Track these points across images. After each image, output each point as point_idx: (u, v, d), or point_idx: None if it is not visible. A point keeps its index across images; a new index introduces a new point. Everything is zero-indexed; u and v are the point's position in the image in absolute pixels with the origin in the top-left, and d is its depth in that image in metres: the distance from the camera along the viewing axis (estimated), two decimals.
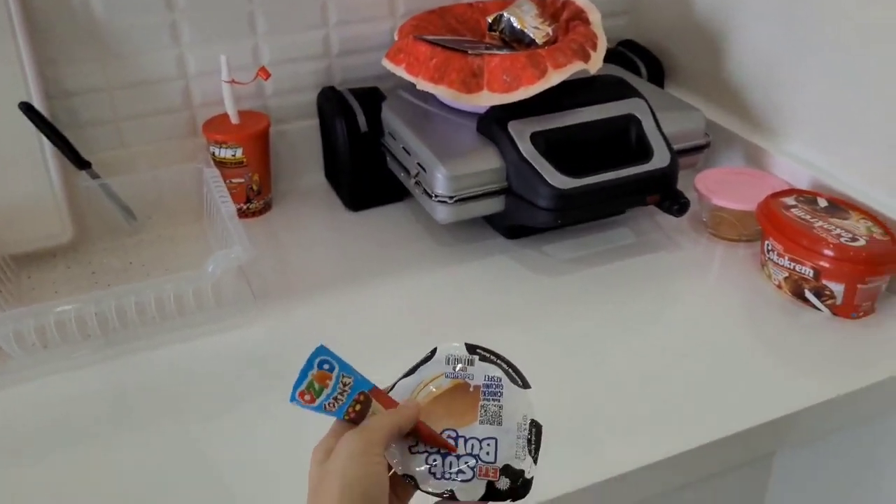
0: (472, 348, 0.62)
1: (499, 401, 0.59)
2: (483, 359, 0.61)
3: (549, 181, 0.98)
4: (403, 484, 0.58)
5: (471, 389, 0.60)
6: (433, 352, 0.62)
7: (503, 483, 0.57)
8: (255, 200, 1.16)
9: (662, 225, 1.13)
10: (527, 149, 1.00)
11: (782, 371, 0.87)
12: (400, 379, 0.61)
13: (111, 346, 0.91)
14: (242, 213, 1.15)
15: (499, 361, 0.61)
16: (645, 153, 1.03)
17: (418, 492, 0.58)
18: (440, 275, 1.05)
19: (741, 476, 0.92)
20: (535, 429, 0.59)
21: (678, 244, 1.10)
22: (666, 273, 1.04)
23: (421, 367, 0.61)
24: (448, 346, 0.62)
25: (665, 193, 1.03)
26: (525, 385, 0.61)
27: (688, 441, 0.78)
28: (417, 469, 0.57)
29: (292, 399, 0.55)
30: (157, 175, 1.11)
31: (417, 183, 1.04)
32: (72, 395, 0.86)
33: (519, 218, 1.04)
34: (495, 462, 0.57)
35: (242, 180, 1.14)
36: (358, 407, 0.56)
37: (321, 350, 0.56)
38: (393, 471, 0.58)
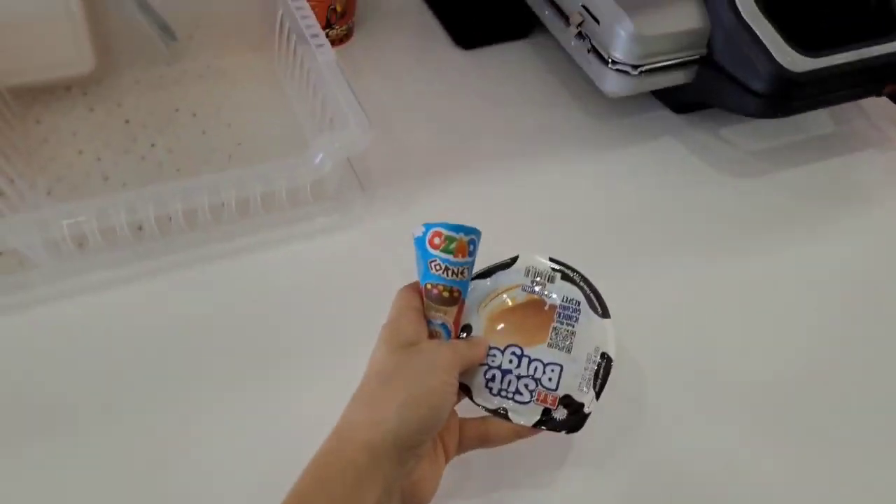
0: (556, 264, 0.57)
1: (573, 326, 0.56)
2: (565, 277, 0.57)
3: (775, 56, 0.71)
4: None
5: (546, 308, 0.56)
6: (514, 259, 0.58)
7: (560, 413, 0.54)
8: (336, 25, 0.86)
9: (866, 109, 0.88)
10: (746, 5, 0.72)
11: None
12: (473, 278, 0.56)
13: (172, 251, 0.66)
14: None
15: (581, 284, 0.57)
16: (890, 24, 0.76)
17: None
18: (586, 159, 0.80)
19: None
20: (605, 362, 0.55)
21: (889, 139, 0.85)
22: (877, 182, 0.81)
23: (498, 273, 0.57)
24: (531, 256, 0.58)
25: None
26: (605, 314, 0.56)
27: None
28: (474, 380, 0.54)
29: (427, 226, 0.53)
30: None
31: (581, 36, 0.76)
32: (116, 319, 0.63)
33: (714, 98, 0.77)
34: (556, 389, 0.54)
35: None
36: (446, 294, 0.53)
37: (478, 232, 0.54)
38: None
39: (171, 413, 0.58)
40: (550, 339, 0.55)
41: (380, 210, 0.72)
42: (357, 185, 0.73)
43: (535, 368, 0.54)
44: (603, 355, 0.55)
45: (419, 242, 0.53)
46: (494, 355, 0.55)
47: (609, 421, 0.59)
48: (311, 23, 0.73)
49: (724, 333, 0.67)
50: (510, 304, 0.56)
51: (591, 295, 0.57)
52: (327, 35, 0.84)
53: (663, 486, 0.58)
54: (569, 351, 0.55)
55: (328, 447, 0.46)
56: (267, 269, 0.67)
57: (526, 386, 0.54)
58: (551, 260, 0.58)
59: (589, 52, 0.75)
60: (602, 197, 0.76)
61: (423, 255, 0.53)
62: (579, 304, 0.56)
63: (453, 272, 0.53)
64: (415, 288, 0.54)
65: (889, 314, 0.70)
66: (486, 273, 0.57)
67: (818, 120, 0.85)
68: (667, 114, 0.84)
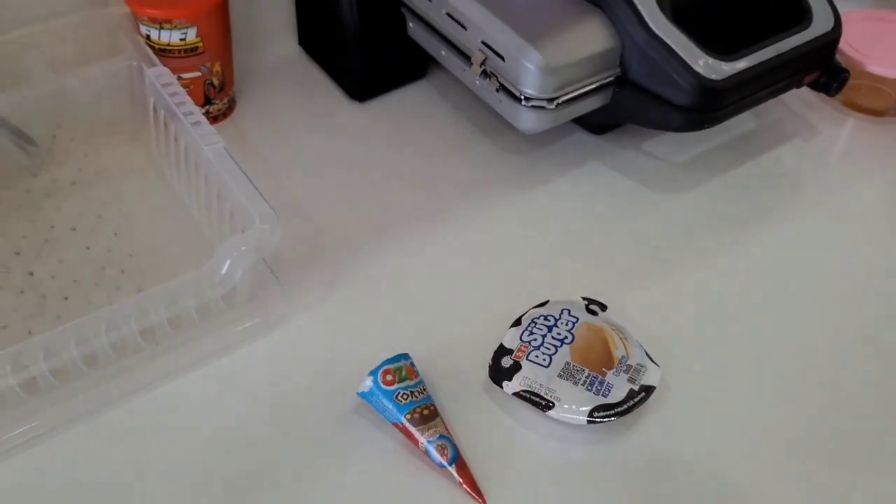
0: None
1: None
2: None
3: (694, 66, 0.67)
4: None
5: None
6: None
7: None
8: (216, 100, 0.78)
9: (783, 100, 0.85)
10: (654, 16, 0.67)
11: None
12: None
13: (67, 399, 0.57)
14: None
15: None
16: (799, 14, 0.73)
17: None
18: (515, 200, 0.74)
19: None
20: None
21: (810, 125, 0.83)
22: (811, 173, 0.78)
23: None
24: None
25: (825, 68, 0.74)
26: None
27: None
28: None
29: (373, 373, 0.56)
30: (63, 82, 0.70)
31: (486, 75, 0.70)
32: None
33: (636, 118, 0.73)
34: None
35: (198, 74, 0.75)
36: (426, 412, 0.56)
37: (409, 356, 0.59)
38: None
39: None
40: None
41: (302, 304, 0.65)
42: (273, 280, 0.65)
43: None
44: None
45: (374, 392, 0.56)
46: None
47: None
48: (189, 109, 0.65)
49: (679, 348, 0.62)
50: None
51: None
52: (208, 112, 0.77)
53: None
54: None
55: None
56: (187, 398, 0.58)
57: None
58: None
59: (498, 90, 0.69)
60: (534, 236, 0.71)
61: (386, 396, 0.56)
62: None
63: (417, 393, 0.57)
64: None
65: (836, 293, 0.67)
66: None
67: (739, 118, 0.81)
68: (586, 137, 0.80)
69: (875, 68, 0.79)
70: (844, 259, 0.70)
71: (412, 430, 0.55)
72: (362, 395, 0.57)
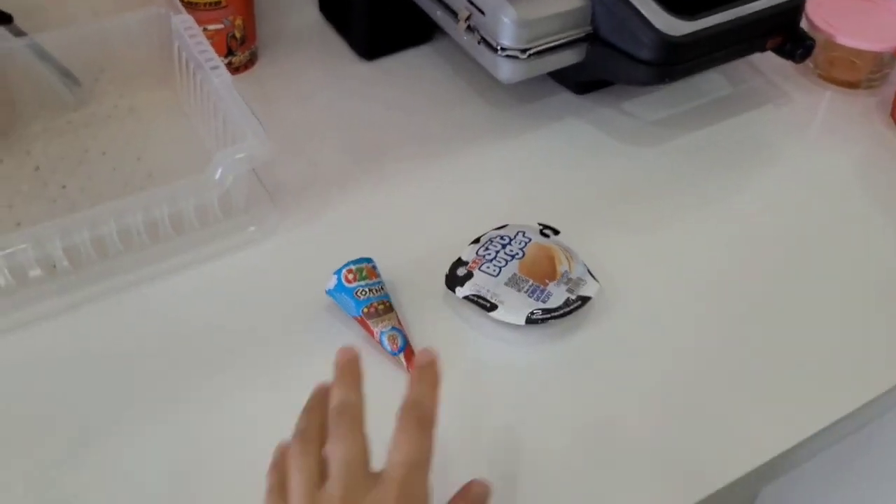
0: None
1: None
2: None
3: (655, 24, 0.73)
4: None
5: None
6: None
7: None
8: (238, 52, 0.88)
9: (760, 67, 0.90)
10: None
11: None
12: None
13: (84, 284, 0.67)
14: None
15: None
16: None
17: None
18: (495, 149, 0.81)
19: None
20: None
21: (785, 93, 0.88)
22: (778, 135, 0.83)
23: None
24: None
25: (788, 34, 0.80)
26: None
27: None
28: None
29: (337, 272, 0.64)
30: (103, 27, 0.80)
31: (470, 29, 0.78)
32: (32, 359, 0.63)
33: (607, 73, 0.80)
34: None
35: (221, 26, 0.85)
36: (381, 307, 0.63)
37: (371, 259, 0.66)
38: None
39: (99, 447, 0.58)
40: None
41: (293, 221, 0.73)
42: (267, 198, 0.74)
43: None
44: None
45: (338, 288, 0.64)
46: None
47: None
48: (205, 48, 0.75)
49: (644, 304, 0.68)
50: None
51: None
52: (230, 63, 0.86)
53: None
54: None
55: None
56: (185, 292, 0.67)
57: None
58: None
59: (479, 43, 0.77)
60: (516, 181, 0.78)
61: (347, 292, 0.64)
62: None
63: (375, 290, 0.64)
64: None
65: (803, 262, 0.72)
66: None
67: (716, 83, 0.88)
68: (569, 96, 0.87)
69: (847, 41, 0.84)
70: (805, 217, 0.76)
71: (368, 322, 0.63)
72: (328, 292, 0.65)
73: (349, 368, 0.49)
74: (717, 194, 0.77)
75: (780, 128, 0.84)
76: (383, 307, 0.64)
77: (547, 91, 0.86)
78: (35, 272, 0.63)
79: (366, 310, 0.63)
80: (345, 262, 0.65)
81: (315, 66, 0.91)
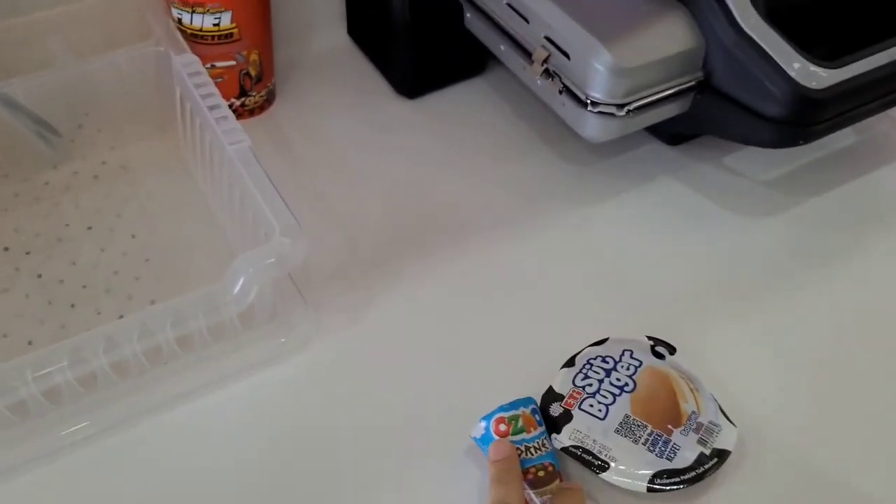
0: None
1: None
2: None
3: (790, 72, 0.57)
4: None
5: None
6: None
7: None
8: (253, 92, 0.71)
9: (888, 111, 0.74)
10: (745, 13, 0.58)
11: None
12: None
13: (60, 423, 0.51)
14: (234, 114, 0.71)
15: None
16: None
17: None
18: (573, 221, 0.66)
19: None
20: None
21: None
22: None
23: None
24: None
25: None
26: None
27: None
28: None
29: (486, 419, 0.49)
30: (88, 69, 0.64)
31: (549, 74, 0.62)
32: None
33: (718, 130, 0.64)
34: None
35: (233, 63, 0.69)
36: (542, 474, 0.48)
37: (533, 399, 0.51)
38: None
39: None
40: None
41: (331, 324, 0.58)
42: (297, 296, 0.58)
43: None
44: None
45: (486, 439, 0.49)
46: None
47: None
48: (215, 102, 0.59)
49: (760, 403, 0.53)
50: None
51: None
52: (244, 105, 0.70)
53: None
54: None
55: None
56: (195, 427, 0.52)
57: None
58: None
59: (561, 92, 0.61)
60: (605, 266, 0.62)
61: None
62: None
63: (535, 448, 0.49)
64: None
65: None
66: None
67: (837, 132, 0.72)
68: (659, 147, 0.71)
69: None
70: None
71: (526, 494, 0.47)
72: (480, 438, 0.49)
73: (506, 466, 0.46)
74: (851, 274, 0.62)
75: None
76: (545, 473, 0.48)
77: (632, 141, 0.71)
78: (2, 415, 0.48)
79: (529, 475, 0.47)
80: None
81: (345, 105, 0.75)
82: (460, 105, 0.75)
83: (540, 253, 0.63)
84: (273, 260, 0.50)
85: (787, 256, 0.63)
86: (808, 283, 0.61)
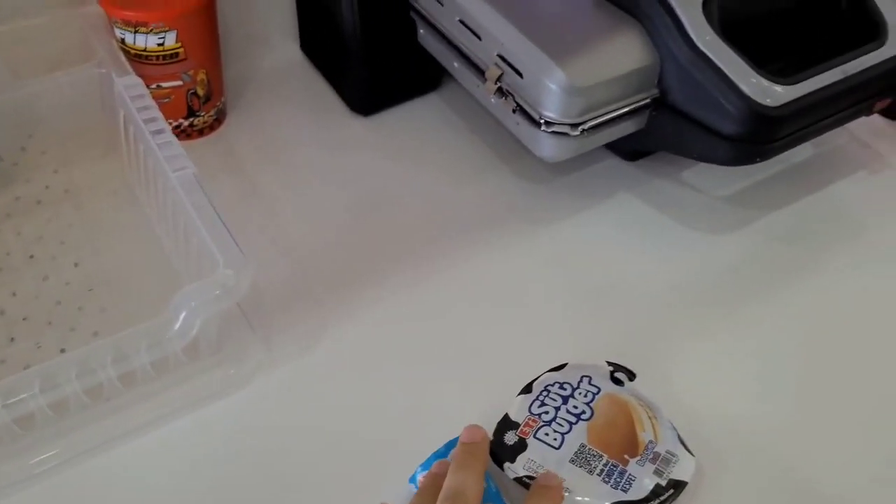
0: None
1: None
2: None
3: (745, 90, 0.57)
4: None
5: None
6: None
7: None
8: (201, 112, 0.70)
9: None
10: (699, 30, 0.58)
11: None
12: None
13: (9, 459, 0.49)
14: (182, 135, 0.69)
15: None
16: (872, 28, 0.63)
17: None
18: (530, 240, 0.65)
19: None
20: None
21: (879, 156, 0.72)
22: (878, 213, 0.68)
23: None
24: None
25: None
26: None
27: None
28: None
29: (412, 480, 0.48)
30: (29, 91, 0.62)
31: (502, 93, 0.60)
32: None
33: (674, 147, 0.63)
34: None
35: (179, 83, 0.67)
36: None
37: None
38: None
39: None
40: None
41: (281, 354, 0.56)
42: (246, 325, 0.56)
43: None
44: None
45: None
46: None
47: None
48: (159, 126, 0.57)
49: (720, 431, 0.52)
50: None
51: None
52: (192, 125, 0.68)
53: None
54: None
55: None
56: (136, 468, 0.50)
57: None
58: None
59: (515, 111, 0.60)
60: (552, 281, 0.61)
61: None
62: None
63: None
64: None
65: None
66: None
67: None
68: (616, 162, 0.70)
69: None
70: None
71: None
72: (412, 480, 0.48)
73: (472, 451, 0.46)
74: (811, 289, 0.61)
75: (874, 197, 0.68)
76: None
77: (589, 158, 0.70)
78: None
79: None
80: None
81: (298, 124, 0.73)
82: (415, 122, 0.74)
83: (498, 274, 0.62)
84: (218, 293, 0.48)
85: (748, 272, 0.63)
86: (771, 299, 0.61)
